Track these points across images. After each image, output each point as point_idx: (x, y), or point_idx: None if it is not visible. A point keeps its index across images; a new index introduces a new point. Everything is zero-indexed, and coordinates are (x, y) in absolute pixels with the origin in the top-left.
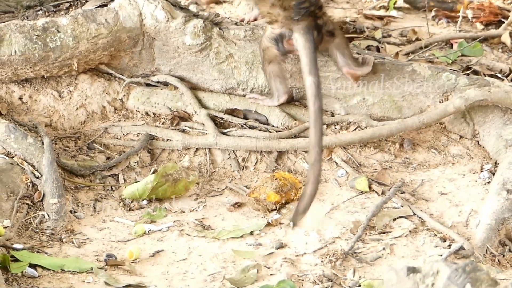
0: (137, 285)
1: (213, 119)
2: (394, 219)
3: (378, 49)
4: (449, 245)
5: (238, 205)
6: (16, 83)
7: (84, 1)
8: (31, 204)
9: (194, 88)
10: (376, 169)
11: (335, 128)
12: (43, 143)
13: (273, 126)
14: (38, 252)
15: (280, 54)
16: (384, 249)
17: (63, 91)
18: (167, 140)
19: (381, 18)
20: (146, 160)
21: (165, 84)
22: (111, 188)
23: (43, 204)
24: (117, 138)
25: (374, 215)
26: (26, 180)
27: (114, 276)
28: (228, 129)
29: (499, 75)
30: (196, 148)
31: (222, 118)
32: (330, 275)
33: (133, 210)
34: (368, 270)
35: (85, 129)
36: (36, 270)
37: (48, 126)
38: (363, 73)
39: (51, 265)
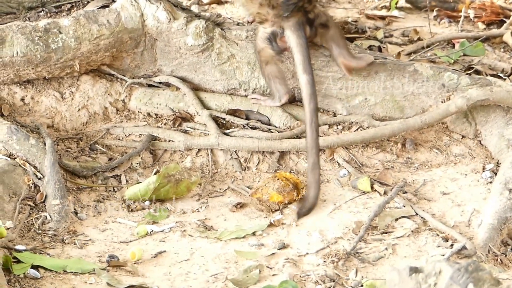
0: (140, 286)
1: (215, 119)
2: (396, 219)
3: (380, 49)
4: (452, 245)
5: (240, 206)
6: (18, 84)
7: (86, 2)
8: (33, 205)
9: (196, 88)
10: (378, 169)
11: (337, 128)
12: (45, 144)
13: (275, 126)
14: (40, 253)
15: (276, 54)
16: (386, 249)
17: (65, 92)
18: (169, 141)
19: (383, 18)
20: (148, 161)
21: (167, 85)
22: (113, 189)
23: (45, 205)
24: (119, 139)
25: (376, 215)
26: (28, 181)
27: (116, 277)
28: (230, 130)
29: (501, 75)
30: (198, 149)
31: (224, 119)
32: (332, 275)
33: (135, 211)
34: (371, 270)
35: (87, 130)
36: (38, 271)
37: (50, 127)
38: (358, 66)
39: (54, 266)
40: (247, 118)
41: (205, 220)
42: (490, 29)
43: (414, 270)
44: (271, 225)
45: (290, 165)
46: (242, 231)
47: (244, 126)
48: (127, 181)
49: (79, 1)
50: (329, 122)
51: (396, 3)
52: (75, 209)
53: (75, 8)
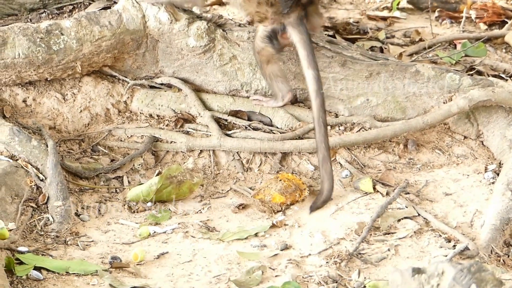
0: (142, 287)
1: (217, 120)
2: (399, 220)
3: (381, 50)
4: (454, 246)
5: (242, 207)
6: (20, 86)
7: (87, 4)
8: (36, 206)
9: (198, 90)
10: (380, 170)
11: (339, 129)
12: (47, 146)
13: (277, 127)
14: (43, 254)
15: (276, 52)
16: (389, 250)
17: (67, 94)
18: (171, 142)
19: (384, 19)
20: (150, 162)
21: (169, 86)
22: (116, 190)
23: (47, 207)
24: (121, 140)
25: (379, 216)
26: (30, 183)
27: (119, 278)
28: (232, 131)
29: (503, 75)
30: (200, 150)
31: (226, 120)
32: (335, 276)
33: (137, 212)
34: (373, 271)
35: (89, 131)
36: (41, 272)
37: (52, 128)
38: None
39: (56, 268)
40: (249, 119)
41: (207, 221)
42: (491, 30)
43: (417, 271)
44: (273, 226)
45: (292, 166)
46: (245, 232)
47: (246, 127)
48: (129, 182)
49: (81, 3)
50: (331, 123)
51: (398, 4)
52: (77, 210)
53: (76, 10)
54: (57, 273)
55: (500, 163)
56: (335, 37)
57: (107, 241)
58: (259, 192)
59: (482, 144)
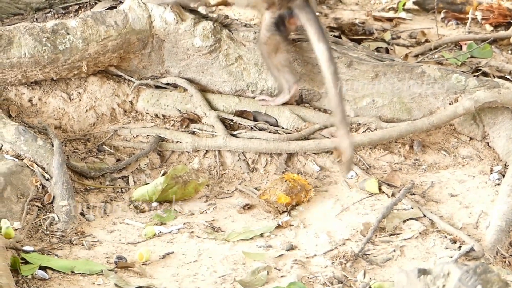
0: (147, 287)
1: (223, 121)
2: (404, 221)
3: (387, 51)
4: (460, 247)
5: (248, 207)
6: (26, 85)
7: (93, 3)
8: (41, 206)
9: (203, 90)
10: (386, 171)
11: None
12: (53, 145)
13: (283, 128)
14: (48, 254)
15: (283, 40)
16: (394, 251)
17: (72, 93)
18: (176, 142)
19: (390, 19)
20: (156, 162)
21: (175, 86)
22: (121, 190)
23: (53, 206)
24: (126, 140)
25: (384, 216)
26: (36, 183)
27: (124, 278)
28: (237, 131)
29: (509, 77)
30: (206, 150)
31: (231, 120)
32: (340, 277)
33: (143, 212)
34: (379, 272)
35: (95, 131)
36: (46, 272)
37: (57, 128)
38: None
39: (62, 267)
40: (255, 120)
41: (212, 222)
42: (497, 31)
43: (422, 272)
44: (279, 226)
45: (298, 167)
46: (250, 232)
47: (251, 128)
48: (134, 182)
49: (87, 2)
50: None
51: (404, 5)
52: (82, 210)
53: (82, 9)
54: (63, 272)
55: (505, 165)
56: (341, 38)
57: (112, 241)
58: (264, 192)
59: (488, 145)
